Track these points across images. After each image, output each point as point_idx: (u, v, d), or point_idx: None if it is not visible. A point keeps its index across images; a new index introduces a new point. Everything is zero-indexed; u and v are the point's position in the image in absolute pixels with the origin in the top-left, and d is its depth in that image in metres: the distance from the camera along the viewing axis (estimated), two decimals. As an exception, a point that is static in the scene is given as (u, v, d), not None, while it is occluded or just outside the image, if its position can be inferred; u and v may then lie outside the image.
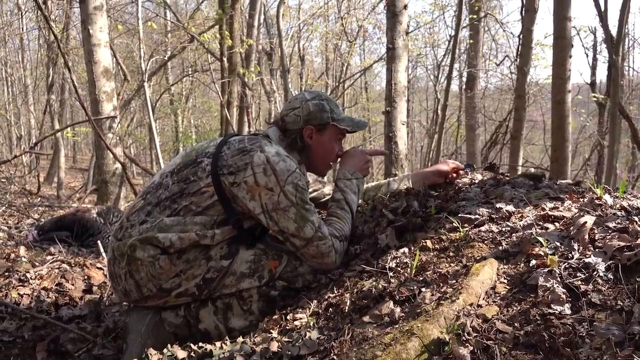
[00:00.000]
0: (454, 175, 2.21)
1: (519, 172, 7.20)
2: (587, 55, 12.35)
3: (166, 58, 8.88)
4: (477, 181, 2.43)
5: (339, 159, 2.05)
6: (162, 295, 1.75)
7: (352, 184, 1.94)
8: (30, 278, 2.51)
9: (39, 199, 9.19)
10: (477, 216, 1.85)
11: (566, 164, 6.53)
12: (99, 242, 3.11)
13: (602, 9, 5.94)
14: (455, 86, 14.32)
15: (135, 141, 15.38)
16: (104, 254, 3.03)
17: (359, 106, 17.39)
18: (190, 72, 11.22)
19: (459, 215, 1.89)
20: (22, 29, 14.89)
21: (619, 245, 1.39)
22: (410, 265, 1.74)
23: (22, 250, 3.07)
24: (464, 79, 12.12)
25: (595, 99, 8.30)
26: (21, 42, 15.38)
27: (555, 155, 6.52)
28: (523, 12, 6.83)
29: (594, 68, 11.51)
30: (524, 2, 6.84)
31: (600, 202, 1.69)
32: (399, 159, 3.71)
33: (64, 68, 9.88)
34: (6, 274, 2.54)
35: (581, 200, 1.81)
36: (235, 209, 1.74)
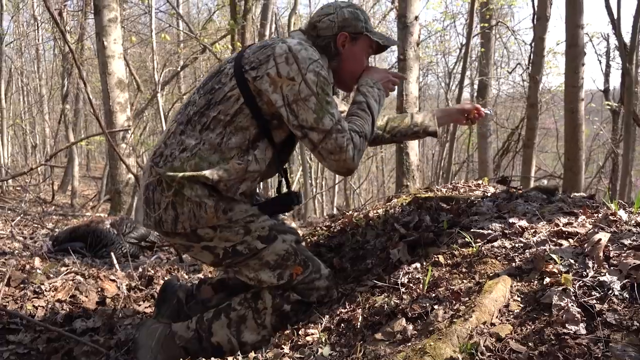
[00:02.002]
0: (476, 115, 2.14)
1: (532, 182, 7.15)
2: (600, 62, 12.31)
3: (179, 68, 8.97)
4: (489, 194, 2.42)
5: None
6: (193, 239, 1.72)
7: (374, 91, 1.85)
8: (45, 290, 2.53)
9: (53, 207, 9.31)
10: (489, 231, 1.84)
11: (580, 172, 6.45)
12: (112, 253, 3.14)
13: (615, 16, 5.91)
14: (467, 93, 14.25)
15: (148, 149, 15.49)
16: (117, 266, 3.05)
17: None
18: (202, 82, 11.32)
19: (472, 230, 1.88)
20: (38, 39, 15.14)
21: (634, 263, 1.38)
22: (422, 281, 1.73)
23: (37, 262, 3.10)
24: (476, 87, 12.07)
25: (608, 106, 8.21)
26: (37, 52, 15.62)
27: (569, 164, 6.45)
28: (535, 20, 6.80)
29: (607, 75, 11.42)
30: (536, 10, 6.81)
31: (615, 218, 1.67)
32: (411, 170, 3.71)
33: (79, 79, 10.02)
34: (21, 285, 2.57)
35: (595, 215, 1.79)
36: (262, 110, 1.69)
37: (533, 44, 7.00)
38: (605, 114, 11.91)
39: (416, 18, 3.76)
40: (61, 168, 13.07)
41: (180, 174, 1.66)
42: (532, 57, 6.95)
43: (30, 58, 16.96)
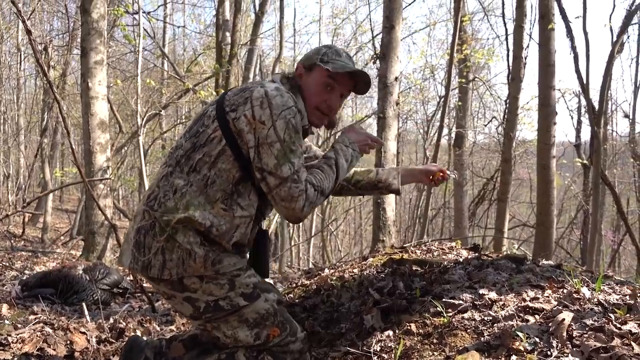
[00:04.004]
0: (440, 177, 2.17)
1: (506, 233, 7.25)
2: (572, 118, 12.77)
3: (161, 107, 9.04)
4: (462, 259, 2.48)
5: (332, 112, 1.94)
6: (177, 287, 1.71)
7: (347, 151, 1.87)
8: (12, 342, 2.47)
9: (23, 242, 9.09)
10: (460, 301, 1.89)
11: (552, 227, 6.64)
12: (84, 304, 3.08)
13: (584, 80, 6.22)
14: (444, 140, 14.62)
15: (124, 184, 15.34)
16: (87, 316, 3.00)
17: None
18: (184, 121, 11.38)
19: (443, 299, 1.93)
20: (20, 68, 15.09)
21: (595, 345, 1.44)
22: (394, 350, 1.76)
23: (5, 309, 3.02)
24: (453, 136, 12.40)
25: (579, 162, 8.52)
26: (17, 82, 15.54)
27: (541, 218, 6.64)
28: (509, 79, 7.11)
29: (578, 131, 11.86)
30: (510, 70, 7.13)
31: (579, 296, 1.74)
32: (387, 225, 3.77)
33: (59, 114, 9.99)
34: (-13, 336, 2.51)
35: (561, 291, 1.86)
36: (243, 151, 1.71)
37: (507, 102, 7.30)
38: (578, 167, 12.29)
39: (396, 79, 3.91)
40: (33, 202, 12.81)
41: (176, 218, 1.67)
42: (506, 114, 7.23)
43: (11, 87, 16.83)
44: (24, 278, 3.88)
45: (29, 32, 2.58)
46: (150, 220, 1.72)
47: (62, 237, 10.35)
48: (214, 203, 1.71)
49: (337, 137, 1.95)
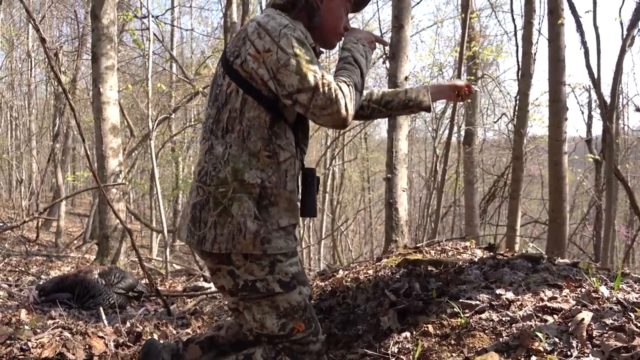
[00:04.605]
0: (466, 91, 2.15)
1: (517, 233, 7.21)
2: (583, 113, 12.66)
3: (171, 110, 9.10)
4: (477, 259, 2.48)
5: (347, 30, 1.95)
6: (224, 261, 1.73)
7: (359, 46, 1.83)
8: (32, 347, 2.50)
9: (37, 247, 9.19)
10: (477, 302, 1.89)
11: (564, 223, 6.59)
12: (101, 309, 3.11)
13: (595, 75, 6.17)
14: (453, 138, 14.56)
15: (134, 187, 15.45)
16: (104, 320, 3.03)
17: (359, 156, 17.61)
18: (193, 123, 11.43)
19: (460, 300, 1.93)
20: (31, 76, 15.25)
21: (616, 345, 1.43)
22: (412, 352, 1.77)
23: (24, 314, 3.06)
24: (462, 133, 12.34)
25: (591, 158, 8.45)
26: (29, 88, 15.71)
27: (554, 215, 6.59)
28: (519, 76, 7.07)
29: (589, 126, 11.77)
30: (520, 66, 7.09)
31: (597, 295, 1.73)
32: (400, 225, 3.76)
33: (71, 118, 10.09)
34: (8, 342, 2.54)
35: (578, 290, 1.85)
36: (262, 92, 1.70)
37: (518, 98, 7.26)
38: (589, 162, 12.20)
39: (406, 78, 3.91)
40: (46, 203, 12.95)
41: (231, 188, 1.68)
42: (517, 111, 7.19)
43: (22, 93, 17.01)
44: (41, 283, 3.92)
45: (42, 41, 2.61)
46: (205, 196, 1.73)
47: (75, 241, 10.45)
48: (258, 154, 1.70)
49: (343, 40, 1.91)
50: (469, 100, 9.77)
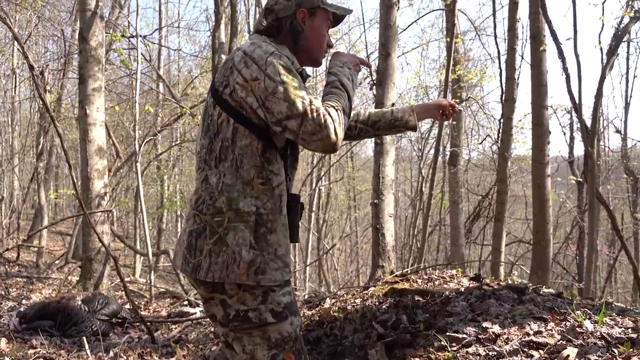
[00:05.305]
0: (450, 111, 2.19)
1: (502, 255, 7.25)
2: (565, 134, 12.89)
3: (157, 131, 9.06)
4: (463, 289, 2.49)
5: (329, 49, 1.99)
6: (218, 289, 1.71)
7: (345, 70, 1.84)
8: (12, 379, 2.45)
9: (17, 267, 9.00)
10: (464, 335, 1.90)
11: (548, 245, 6.67)
12: (84, 338, 3.06)
13: (577, 100, 6.30)
14: (439, 158, 14.69)
15: (119, 205, 15.28)
16: (88, 351, 2.97)
17: (345, 174, 17.69)
18: (179, 142, 11.40)
19: (447, 333, 1.93)
20: (15, 92, 15.10)
21: (601, 383, 1.45)
22: (400, 387, 1.77)
23: (3, 343, 2.99)
24: (447, 154, 12.48)
25: (573, 180, 8.59)
26: (12, 104, 15.55)
27: (537, 237, 6.67)
28: (503, 100, 7.20)
29: (571, 148, 11.98)
30: (504, 90, 7.23)
31: (581, 330, 1.76)
32: (386, 251, 3.78)
33: (57, 143, 9.98)
34: (-13, 374, 2.48)
35: (563, 323, 1.88)
36: (252, 120, 1.70)
37: (502, 122, 7.38)
38: (572, 183, 12.37)
39: (393, 105, 3.96)
40: (27, 221, 12.73)
41: (227, 218, 1.68)
42: (501, 134, 7.30)
43: (5, 110, 16.82)
44: (22, 309, 3.84)
45: (31, 68, 2.60)
46: (202, 224, 1.72)
47: (57, 261, 10.26)
48: (251, 182, 1.71)
49: (329, 64, 1.93)
50: (454, 122, 9.92)
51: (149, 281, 6.41)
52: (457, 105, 2.23)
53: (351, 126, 2.18)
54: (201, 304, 4.05)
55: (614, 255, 11.97)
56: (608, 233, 14.91)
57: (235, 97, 1.70)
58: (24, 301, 4.72)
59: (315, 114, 1.62)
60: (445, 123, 12.03)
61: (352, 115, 2.18)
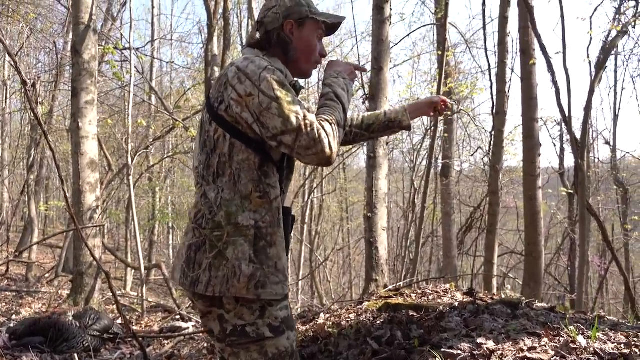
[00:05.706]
0: (442, 107, 2.20)
1: (495, 267, 7.27)
2: (555, 145, 13.00)
3: (149, 143, 9.05)
4: (457, 303, 2.50)
5: (322, 59, 1.98)
6: (216, 304, 1.70)
7: (339, 81, 1.85)
8: (2, 398, 2.41)
9: (6, 281, 8.90)
10: (459, 351, 1.90)
11: (540, 257, 6.70)
12: (75, 355, 3.02)
13: (567, 114, 6.38)
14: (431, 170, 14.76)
15: (110, 216, 15.18)
16: (79, 367, 2.94)
17: (338, 185, 17.72)
18: (171, 154, 11.38)
19: (442, 349, 1.94)
20: (6, 103, 15.03)
21: (595, 400, 1.46)
22: (395, 404, 1.76)
23: (-7, 361, 2.96)
24: (440, 165, 12.55)
25: (564, 192, 8.67)
26: (3, 116, 15.46)
27: (530, 249, 6.71)
28: (494, 113, 7.27)
29: (561, 159, 12.09)
30: (495, 104, 7.30)
31: (575, 346, 1.77)
32: (380, 265, 3.78)
33: (48, 155, 9.93)
34: (-24, 393, 2.45)
35: (557, 339, 1.89)
36: (249, 135, 1.71)
37: (493, 134, 7.45)
38: (563, 194, 12.46)
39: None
40: (16, 233, 12.60)
41: (226, 232, 1.68)
42: (492, 147, 7.36)
43: (-5, 121, 16.72)
44: (12, 325, 3.80)
45: (24, 83, 2.60)
46: (201, 238, 1.72)
47: (47, 275, 10.15)
48: (249, 196, 1.71)
49: (323, 74, 1.94)
50: (446, 135, 9.99)
51: (140, 295, 6.36)
52: (448, 100, 2.26)
53: (346, 131, 2.18)
54: (194, 318, 4.05)
55: (605, 266, 12.04)
56: (599, 244, 15.01)
57: (231, 112, 1.71)
58: (13, 316, 4.66)
59: (309, 129, 1.63)
60: (438, 135, 12.13)
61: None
